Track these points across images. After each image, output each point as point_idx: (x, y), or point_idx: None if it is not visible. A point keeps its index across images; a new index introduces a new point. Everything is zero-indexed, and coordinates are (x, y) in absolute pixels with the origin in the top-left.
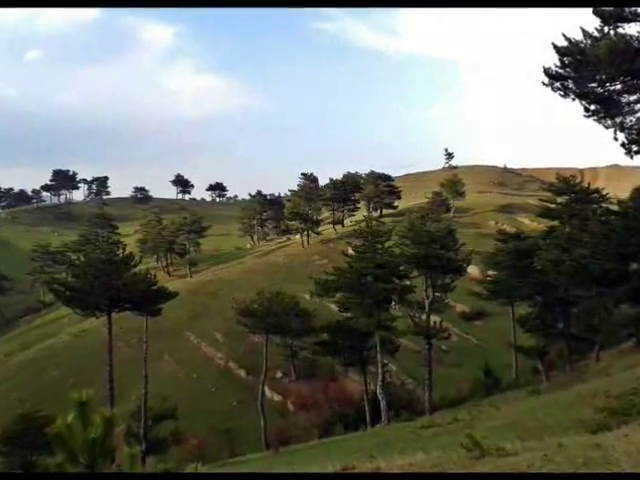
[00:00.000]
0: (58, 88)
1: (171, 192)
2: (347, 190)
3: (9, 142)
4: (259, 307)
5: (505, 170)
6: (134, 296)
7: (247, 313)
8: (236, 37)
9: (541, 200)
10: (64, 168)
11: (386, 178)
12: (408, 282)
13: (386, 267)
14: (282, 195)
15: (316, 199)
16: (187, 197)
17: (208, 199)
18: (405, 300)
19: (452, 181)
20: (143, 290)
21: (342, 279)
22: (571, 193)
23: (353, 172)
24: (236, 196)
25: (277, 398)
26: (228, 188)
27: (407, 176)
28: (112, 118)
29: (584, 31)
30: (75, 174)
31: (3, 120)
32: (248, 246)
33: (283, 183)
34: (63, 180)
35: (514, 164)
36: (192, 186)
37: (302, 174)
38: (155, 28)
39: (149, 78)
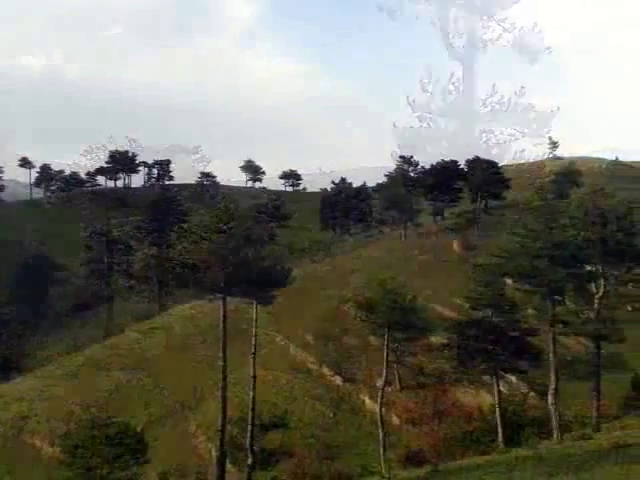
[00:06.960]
0: (125, 67)
1: (239, 179)
2: (448, 177)
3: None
4: (382, 300)
5: (616, 163)
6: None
7: (368, 307)
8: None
9: None
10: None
11: (493, 165)
12: (589, 267)
13: (566, 248)
14: (367, 185)
15: (416, 186)
16: (257, 185)
17: (280, 188)
18: (585, 289)
19: (569, 170)
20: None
21: (510, 262)
22: None
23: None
24: (304, 188)
25: (378, 409)
26: (302, 177)
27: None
28: (180, 100)
29: None
30: (135, 156)
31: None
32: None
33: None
34: (120, 163)
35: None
36: (263, 173)
37: (400, 157)
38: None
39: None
